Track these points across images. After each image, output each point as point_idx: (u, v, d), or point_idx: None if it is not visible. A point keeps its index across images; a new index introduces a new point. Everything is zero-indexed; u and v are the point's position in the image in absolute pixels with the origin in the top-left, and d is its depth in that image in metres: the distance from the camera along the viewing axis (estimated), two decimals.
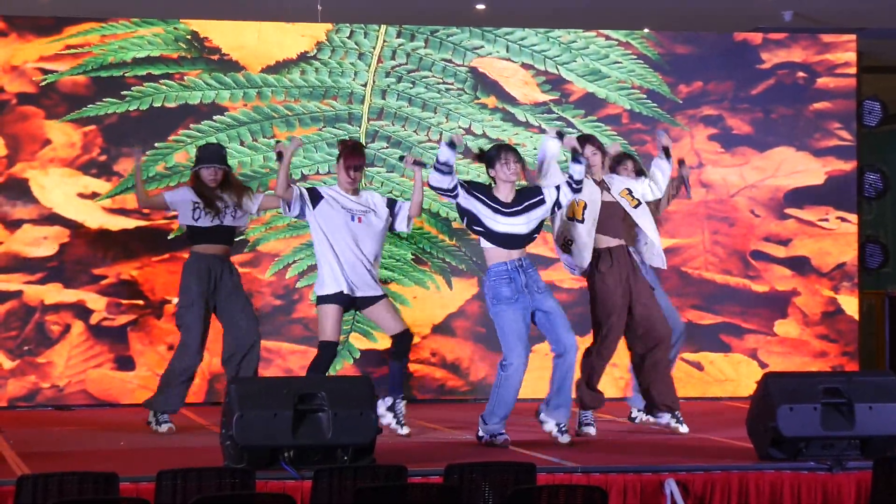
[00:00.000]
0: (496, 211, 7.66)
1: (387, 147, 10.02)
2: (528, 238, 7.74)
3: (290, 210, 8.02)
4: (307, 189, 8.06)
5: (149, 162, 9.76)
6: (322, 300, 8.00)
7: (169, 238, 9.73)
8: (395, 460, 6.38)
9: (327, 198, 8.03)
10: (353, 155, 8.04)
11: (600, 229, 8.07)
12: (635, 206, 8.18)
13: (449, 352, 10.05)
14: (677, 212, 10.36)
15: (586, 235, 8.04)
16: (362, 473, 5.90)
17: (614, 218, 8.11)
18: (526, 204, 7.68)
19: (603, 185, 8.14)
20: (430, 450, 7.37)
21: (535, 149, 10.20)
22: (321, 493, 5.83)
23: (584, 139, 8.18)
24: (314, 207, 8.00)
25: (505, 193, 7.70)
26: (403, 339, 8.08)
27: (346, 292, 7.95)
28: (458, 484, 5.89)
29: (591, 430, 8.16)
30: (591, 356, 8.20)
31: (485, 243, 7.73)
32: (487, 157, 7.79)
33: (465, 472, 5.95)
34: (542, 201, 7.73)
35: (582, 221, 8.05)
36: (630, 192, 8.20)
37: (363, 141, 9.95)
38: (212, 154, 8.33)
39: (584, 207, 8.03)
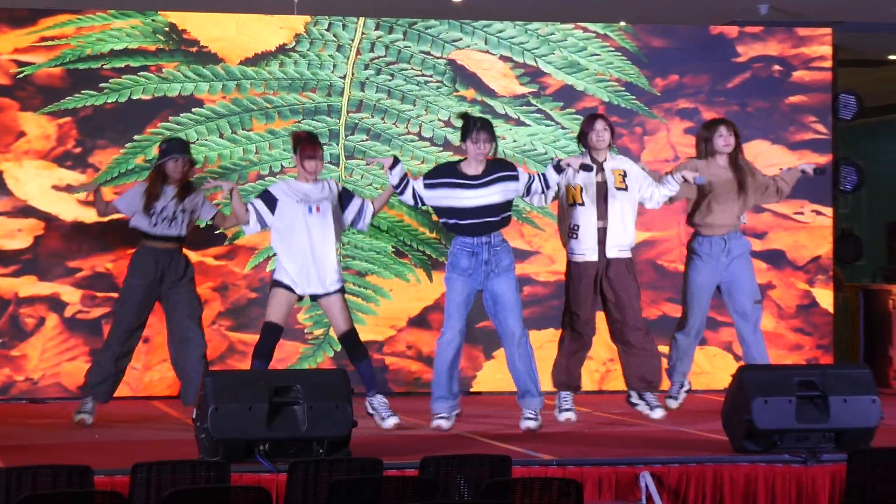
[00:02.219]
0: (463, 187, 7.73)
1: (366, 139, 10.01)
2: (501, 210, 7.74)
3: (249, 229, 8.09)
4: (261, 196, 8.09)
5: (128, 154, 9.73)
6: (275, 283, 8.10)
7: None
8: (371, 453, 6.38)
9: (282, 197, 8.04)
10: (309, 146, 8.06)
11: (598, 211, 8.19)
12: (618, 188, 8.21)
13: (425, 345, 10.05)
14: None
15: (588, 217, 8.10)
16: (337, 466, 5.91)
17: (602, 198, 8.22)
18: (499, 175, 7.77)
19: (600, 166, 8.23)
20: (405, 443, 7.37)
21: (514, 141, 10.22)
22: (296, 486, 5.83)
23: (595, 116, 8.35)
24: (273, 213, 8.03)
25: (473, 167, 7.78)
26: (345, 340, 8.09)
27: (293, 288, 8.00)
28: (434, 477, 5.90)
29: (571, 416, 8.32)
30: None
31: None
32: (462, 127, 7.85)
33: (440, 464, 5.96)
34: (516, 178, 7.82)
35: (582, 204, 8.16)
36: (624, 175, 8.24)
37: (342, 133, 9.95)
38: (176, 145, 8.33)
39: (582, 190, 8.14)
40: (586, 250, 8.25)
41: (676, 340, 8.73)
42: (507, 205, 7.92)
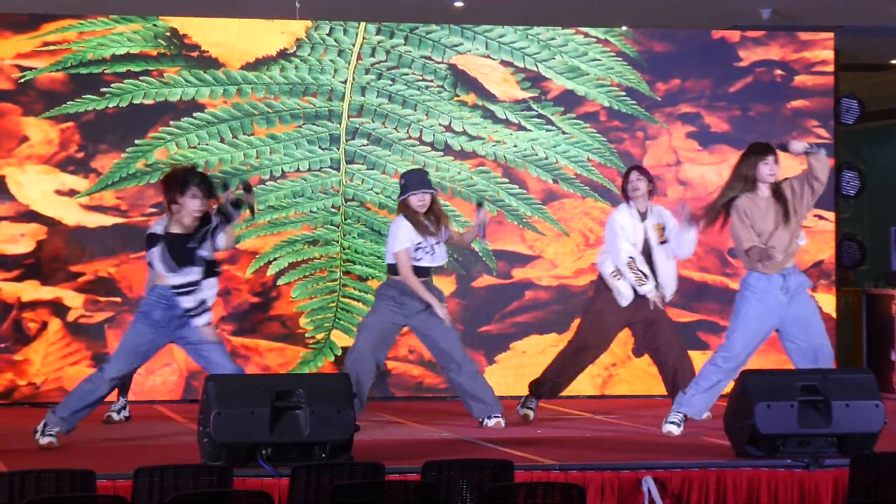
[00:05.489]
0: None
1: (367, 144, 10.02)
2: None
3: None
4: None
5: (129, 159, 9.75)
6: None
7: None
8: (373, 457, 6.38)
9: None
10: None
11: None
12: (661, 242, 8.36)
13: (426, 350, 10.04)
14: None
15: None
16: (339, 471, 5.91)
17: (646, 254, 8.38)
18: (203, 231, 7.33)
19: (644, 216, 8.41)
20: (407, 447, 7.37)
21: (515, 146, 10.22)
22: (298, 490, 5.83)
23: (631, 168, 8.50)
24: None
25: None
26: None
27: None
28: (436, 481, 5.90)
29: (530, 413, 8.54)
30: None
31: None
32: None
33: (442, 469, 5.95)
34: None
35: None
36: (664, 228, 8.41)
37: (343, 137, 9.96)
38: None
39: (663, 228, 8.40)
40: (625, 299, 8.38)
41: (710, 367, 7.85)
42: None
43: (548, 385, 8.62)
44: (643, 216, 8.41)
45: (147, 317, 7.31)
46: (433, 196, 8.30)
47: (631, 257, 8.31)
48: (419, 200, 8.22)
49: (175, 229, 7.23)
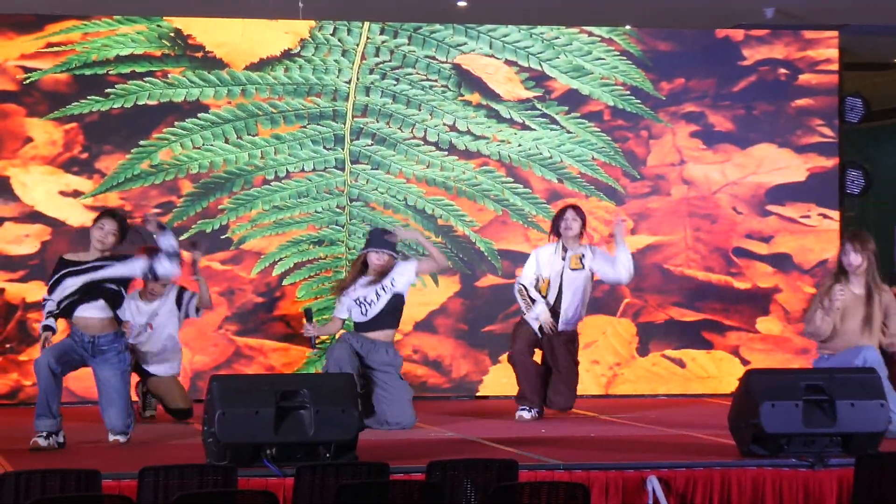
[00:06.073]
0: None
1: (371, 144, 10.02)
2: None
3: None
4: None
5: (134, 160, 9.76)
6: None
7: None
8: (378, 457, 6.39)
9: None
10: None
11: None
12: (573, 269, 8.60)
13: (431, 349, 10.06)
14: (659, 209, 10.39)
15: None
16: (344, 471, 5.91)
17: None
18: None
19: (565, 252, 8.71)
20: (412, 447, 7.37)
21: (519, 146, 10.22)
22: (303, 490, 5.83)
23: (568, 207, 8.77)
24: None
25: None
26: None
27: None
28: (441, 481, 5.89)
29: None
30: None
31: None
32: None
33: (447, 469, 5.95)
34: None
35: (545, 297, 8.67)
36: (581, 257, 8.68)
37: (347, 137, 9.96)
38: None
39: (549, 286, 8.66)
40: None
41: None
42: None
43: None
44: (565, 252, 8.68)
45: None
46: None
47: (523, 285, 8.73)
48: (377, 259, 8.41)
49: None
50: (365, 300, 8.35)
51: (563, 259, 8.70)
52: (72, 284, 7.49)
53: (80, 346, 7.53)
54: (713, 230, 10.48)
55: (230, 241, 9.84)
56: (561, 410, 8.75)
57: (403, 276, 8.41)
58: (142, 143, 9.76)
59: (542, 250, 8.83)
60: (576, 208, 8.80)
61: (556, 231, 8.77)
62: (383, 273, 8.37)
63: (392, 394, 8.23)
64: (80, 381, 9.57)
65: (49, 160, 9.71)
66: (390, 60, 10.08)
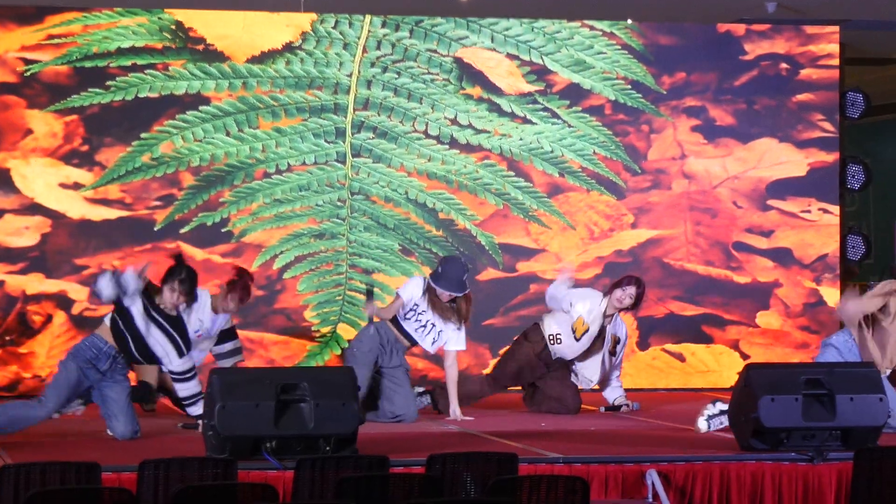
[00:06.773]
0: None
1: (373, 137, 10.02)
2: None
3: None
4: None
5: (134, 152, 9.76)
6: None
7: (155, 229, 9.73)
8: (377, 450, 6.39)
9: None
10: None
11: None
12: (578, 337, 8.63)
13: None
14: (660, 203, 10.39)
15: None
16: (344, 464, 5.91)
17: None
18: None
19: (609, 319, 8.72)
20: (412, 440, 7.38)
21: (520, 140, 10.22)
22: (303, 483, 5.83)
23: (635, 280, 8.67)
24: None
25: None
26: None
27: None
28: (441, 474, 5.90)
29: None
30: None
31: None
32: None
33: (447, 462, 5.96)
34: None
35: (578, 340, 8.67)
36: (618, 342, 8.78)
37: (349, 131, 9.96)
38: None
39: (586, 331, 8.63)
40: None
41: None
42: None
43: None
44: (607, 319, 8.64)
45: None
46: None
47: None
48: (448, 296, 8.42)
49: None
50: (434, 328, 8.43)
51: (603, 318, 8.63)
52: None
53: (97, 361, 7.45)
54: (714, 224, 10.48)
55: (231, 234, 9.84)
56: (573, 412, 8.67)
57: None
58: (143, 135, 9.76)
59: (593, 294, 8.70)
60: (641, 285, 8.62)
61: (612, 289, 8.63)
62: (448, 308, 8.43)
63: (400, 387, 8.27)
64: None
65: (49, 152, 9.71)
66: (392, 54, 10.08)
